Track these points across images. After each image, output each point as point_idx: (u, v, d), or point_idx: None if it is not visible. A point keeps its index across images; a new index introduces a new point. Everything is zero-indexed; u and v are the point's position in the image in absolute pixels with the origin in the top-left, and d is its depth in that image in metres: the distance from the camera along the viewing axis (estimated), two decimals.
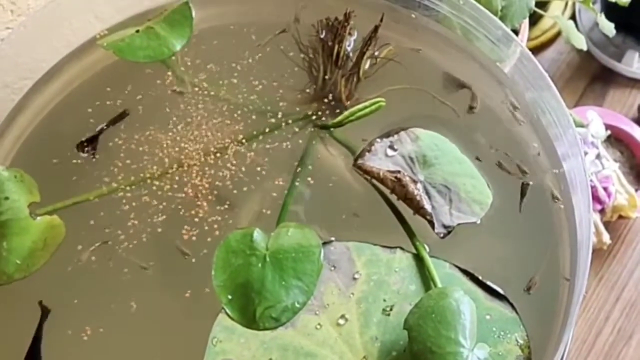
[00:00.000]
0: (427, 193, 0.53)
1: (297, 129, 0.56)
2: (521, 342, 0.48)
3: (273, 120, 0.57)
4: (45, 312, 0.49)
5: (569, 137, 0.55)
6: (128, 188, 0.53)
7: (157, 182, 0.54)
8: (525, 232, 0.53)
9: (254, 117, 0.57)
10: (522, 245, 0.53)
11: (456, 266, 0.50)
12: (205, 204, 0.53)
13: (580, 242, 0.52)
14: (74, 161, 0.55)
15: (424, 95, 0.58)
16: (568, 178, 0.55)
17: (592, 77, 0.96)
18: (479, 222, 0.52)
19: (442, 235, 0.51)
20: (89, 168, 0.54)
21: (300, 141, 0.56)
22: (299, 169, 0.54)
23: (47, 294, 0.50)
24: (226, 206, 0.53)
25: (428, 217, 0.52)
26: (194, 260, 0.51)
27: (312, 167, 0.55)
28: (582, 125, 0.83)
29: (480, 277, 0.50)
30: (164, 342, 0.49)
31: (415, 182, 0.53)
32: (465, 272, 0.50)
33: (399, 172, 0.53)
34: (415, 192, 0.52)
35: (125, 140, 0.56)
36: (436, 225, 0.51)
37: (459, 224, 0.52)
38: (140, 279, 0.50)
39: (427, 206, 0.52)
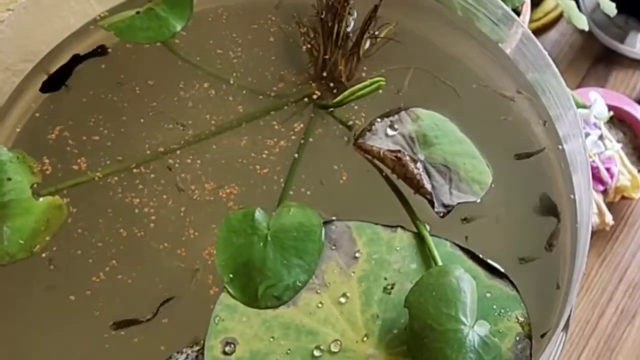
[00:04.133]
0: (427, 172, 0.53)
1: (297, 109, 0.57)
2: (521, 319, 0.48)
3: (273, 100, 0.57)
4: None
5: (569, 117, 0.55)
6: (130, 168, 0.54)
7: (158, 162, 0.54)
8: (526, 211, 0.53)
9: (254, 97, 0.57)
10: (523, 225, 0.53)
11: (457, 245, 0.51)
12: (206, 184, 0.53)
13: (580, 220, 0.52)
14: (75, 142, 0.55)
15: (424, 74, 0.58)
16: (569, 158, 0.55)
17: (595, 59, 0.96)
18: (478, 201, 0.52)
19: (441, 214, 0.51)
20: (91, 149, 0.55)
21: (301, 121, 0.56)
22: (300, 148, 0.54)
23: (50, 274, 0.50)
24: (227, 186, 0.53)
25: (428, 197, 0.52)
26: (197, 235, 0.51)
27: (313, 147, 0.55)
28: (584, 107, 0.82)
29: (480, 256, 0.50)
30: (166, 317, 0.49)
31: (415, 161, 0.53)
32: (466, 251, 0.50)
33: (399, 151, 0.53)
34: (415, 171, 0.52)
35: (126, 122, 0.56)
36: (436, 204, 0.52)
37: (458, 203, 0.52)
38: (144, 256, 0.51)
39: (427, 185, 0.52)
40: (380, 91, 0.54)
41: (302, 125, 0.56)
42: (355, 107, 0.56)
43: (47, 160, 0.54)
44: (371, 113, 0.56)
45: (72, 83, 0.58)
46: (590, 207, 0.51)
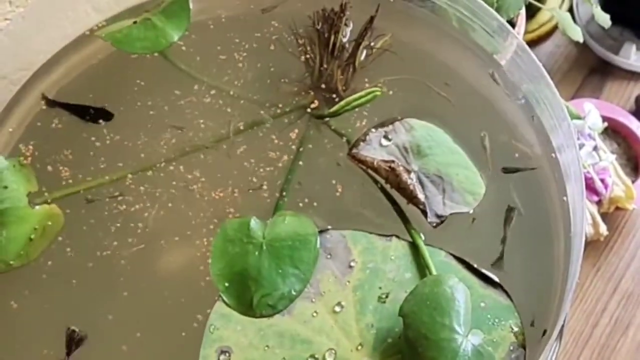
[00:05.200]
0: (421, 183, 0.53)
1: (293, 119, 0.57)
2: (515, 329, 0.48)
3: (270, 110, 0.57)
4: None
5: (564, 128, 0.55)
6: (128, 177, 0.54)
7: (155, 172, 0.54)
8: (520, 222, 0.54)
9: (250, 107, 0.57)
10: (517, 235, 0.53)
11: (451, 254, 0.51)
12: (200, 194, 0.53)
13: (574, 230, 0.52)
14: (72, 150, 0.55)
15: (419, 85, 0.59)
16: (563, 168, 0.55)
17: (589, 70, 0.97)
18: (471, 212, 0.53)
19: (434, 224, 0.52)
20: (87, 158, 0.55)
21: (297, 131, 0.56)
22: (295, 158, 0.55)
23: (45, 283, 0.50)
24: (223, 195, 0.53)
25: (421, 207, 0.52)
26: (194, 246, 0.51)
27: (309, 156, 0.55)
28: (579, 118, 0.83)
29: (475, 265, 0.50)
30: (162, 329, 0.49)
31: (408, 171, 0.53)
32: (461, 260, 0.51)
33: (393, 161, 0.53)
34: (409, 181, 0.52)
35: (123, 131, 0.56)
36: (429, 214, 0.52)
37: (451, 214, 0.52)
38: (139, 265, 0.51)
39: (420, 195, 0.52)
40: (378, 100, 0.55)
41: (298, 134, 0.56)
42: (355, 114, 0.56)
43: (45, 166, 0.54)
44: (368, 123, 0.56)
45: (68, 92, 0.58)
46: (584, 217, 0.51)
